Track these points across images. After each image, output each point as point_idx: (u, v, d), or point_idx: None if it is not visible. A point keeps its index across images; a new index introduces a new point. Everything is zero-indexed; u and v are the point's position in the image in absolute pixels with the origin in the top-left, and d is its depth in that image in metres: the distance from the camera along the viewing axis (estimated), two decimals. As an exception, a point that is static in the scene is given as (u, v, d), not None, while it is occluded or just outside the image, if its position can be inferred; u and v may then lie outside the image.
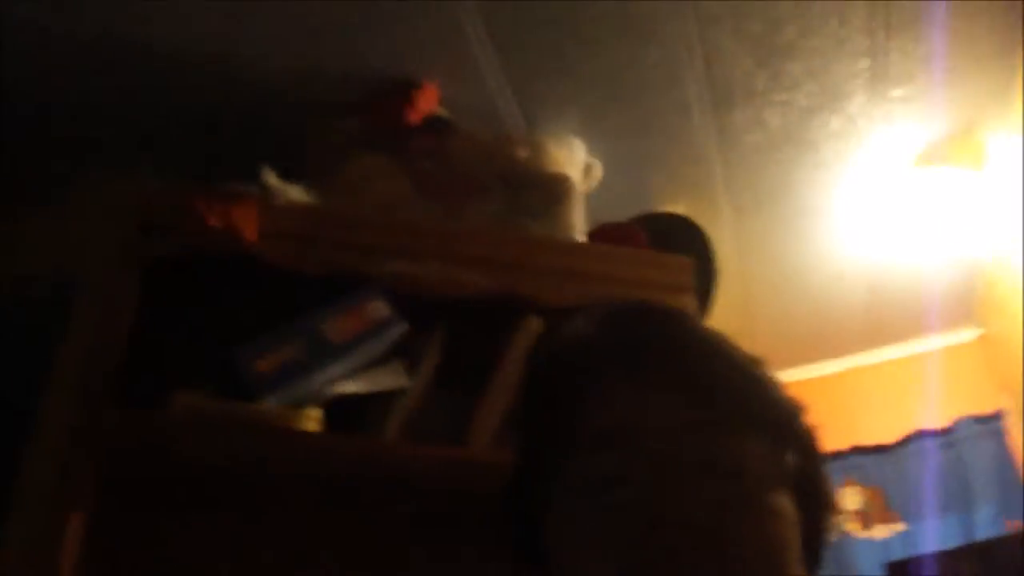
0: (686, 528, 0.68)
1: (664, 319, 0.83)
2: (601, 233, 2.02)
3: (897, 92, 2.57)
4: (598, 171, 2.05)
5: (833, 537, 0.84)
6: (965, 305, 4.46)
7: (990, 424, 4.51)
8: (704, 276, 2.04)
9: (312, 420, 1.61)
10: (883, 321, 4.37)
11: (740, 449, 0.74)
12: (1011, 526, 4.12)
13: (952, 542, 3.96)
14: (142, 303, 1.64)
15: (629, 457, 0.73)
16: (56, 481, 1.47)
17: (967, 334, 4.68)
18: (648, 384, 0.76)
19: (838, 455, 4.50)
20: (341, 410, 1.66)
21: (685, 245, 2.09)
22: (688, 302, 1.88)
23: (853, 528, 4.39)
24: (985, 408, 4.52)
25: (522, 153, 1.92)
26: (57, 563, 1.41)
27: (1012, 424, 4.47)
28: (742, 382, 0.79)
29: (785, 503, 0.75)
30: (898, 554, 4.14)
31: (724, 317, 2.89)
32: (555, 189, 1.93)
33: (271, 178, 1.81)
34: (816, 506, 0.81)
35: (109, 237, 1.69)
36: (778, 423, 0.79)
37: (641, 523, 0.69)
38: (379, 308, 1.70)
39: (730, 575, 0.69)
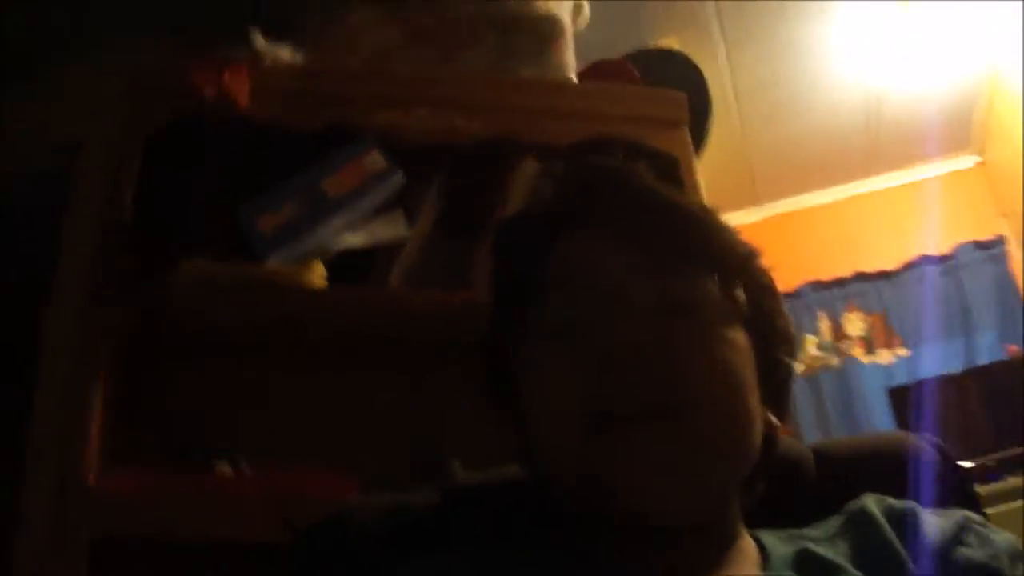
0: (639, 358, 0.73)
1: (617, 174, 0.86)
2: (592, 71, 2.00)
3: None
4: (587, 9, 2.02)
5: (792, 371, 0.90)
6: (964, 131, 4.45)
7: (990, 250, 4.55)
8: (698, 110, 2.03)
9: (317, 276, 1.64)
10: (882, 148, 4.36)
11: (691, 286, 0.79)
12: (1011, 351, 4.18)
13: (953, 367, 4.03)
14: (143, 174, 1.65)
15: (582, 299, 0.78)
16: (74, 354, 1.50)
17: (966, 161, 4.68)
18: (601, 235, 0.81)
19: (840, 282, 4.56)
20: (345, 264, 1.69)
21: (678, 79, 2.07)
22: (683, 136, 1.88)
23: (857, 353, 4.47)
24: (985, 234, 4.56)
25: (511, -4, 1.89)
26: (86, 428, 1.45)
27: (1012, 249, 4.50)
28: (691, 226, 0.83)
29: (738, 336, 0.80)
30: (901, 379, 4.22)
31: (721, 150, 2.87)
32: (545, 30, 1.90)
33: (259, 40, 1.80)
34: (772, 341, 0.86)
35: (106, 111, 1.69)
36: (729, 263, 0.83)
37: (596, 358, 0.74)
38: (375, 160, 1.71)
39: (684, 399, 0.73)
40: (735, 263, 0.84)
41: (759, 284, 0.87)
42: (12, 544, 1.37)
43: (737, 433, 0.76)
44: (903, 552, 0.72)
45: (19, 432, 1.46)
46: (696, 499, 0.74)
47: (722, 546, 0.78)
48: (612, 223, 0.81)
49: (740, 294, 0.82)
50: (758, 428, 0.79)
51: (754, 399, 0.79)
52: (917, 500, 0.79)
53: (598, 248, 0.81)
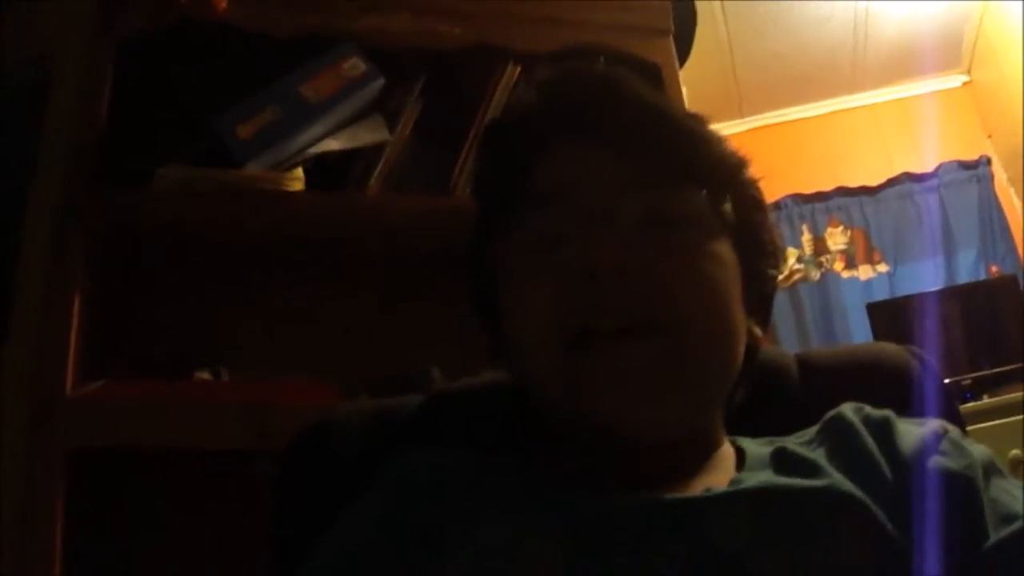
0: (622, 272, 0.72)
1: (604, 84, 0.83)
2: (577, -22, 1.97)
3: None
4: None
5: (776, 284, 0.89)
6: (953, 50, 4.41)
7: (974, 170, 4.55)
8: (684, 19, 2.00)
9: (296, 180, 1.62)
10: (869, 64, 4.34)
11: (680, 201, 0.78)
12: (992, 271, 4.20)
13: (935, 285, 4.05)
14: (119, 81, 1.62)
15: (568, 213, 0.77)
16: (52, 264, 1.49)
17: (954, 80, 4.66)
18: (588, 147, 0.79)
19: (822, 196, 4.56)
20: (324, 168, 1.67)
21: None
22: (666, 45, 1.86)
23: (837, 268, 4.49)
24: (970, 154, 4.55)
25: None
26: (64, 338, 1.45)
27: (996, 170, 4.50)
28: (681, 140, 0.81)
29: (725, 251, 0.79)
30: (880, 294, 4.24)
31: (706, 61, 2.83)
32: (528, -65, 1.87)
33: (237, -57, 1.76)
34: (758, 254, 0.85)
35: (80, 17, 1.66)
36: (717, 176, 0.82)
37: (579, 274, 0.73)
38: (355, 65, 1.69)
39: (668, 317, 0.73)
40: (726, 177, 0.83)
41: (747, 197, 0.85)
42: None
43: (721, 352, 0.77)
44: (880, 459, 0.72)
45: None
46: (677, 417, 0.74)
47: (702, 455, 0.79)
48: (600, 134, 0.80)
49: (728, 207, 0.81)
50: (741, 344, 0.79)
51: (739, 315, 0.79)
52: (903, 413, 0.79)
53: (586, 161, 0.79)
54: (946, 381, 0.98)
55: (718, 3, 3.51)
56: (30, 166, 1.57)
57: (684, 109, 0.87)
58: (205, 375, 1.57)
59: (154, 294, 1.69)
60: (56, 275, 1.48)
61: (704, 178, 0.80)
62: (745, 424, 0.84)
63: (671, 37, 1.89)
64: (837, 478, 0.69)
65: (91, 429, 1.42)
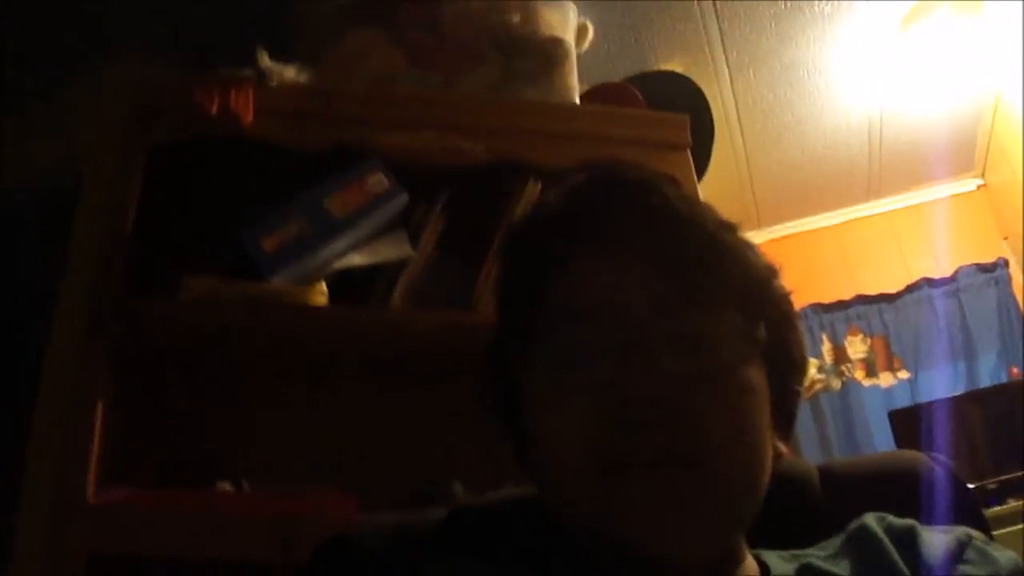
0: (656, 405, 0.70)
1: (634, 189, 0.80)
2: (596, 94, 2.02)
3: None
4: (591, 32, 2.03)
5: (802, 397, 0.87)
6: (967, 154, 4.45)
7: (992, 272, 4.55)
8: (701, 133, 2.04)
9: (319, 295, 1.64)
10: (884, 171, 4.37)
11: (712, 324, 0.75)
12: (1013, 374, 4.17)
13: (956, 390, 4.02)
14: (147, 191, 1.65)
15: (596, 333, 0.74)
16: (76, 370, 1.50)
17: (968, 183, 4.68)
18: (617, 258, 0.77)
19: (842, 304, 4.56)
20: (347, 283, 1.69)
21: (680, 103, 2.08)
22: (685, 159, 1.89)
23: (858, 376, 4.46)
24: (987, 256, 4.55)
25: (515, 18, 1.90)
26: (85, 445, 1.45)
27: (1014, 272, 4.50)
28: (714, 252, 0.78)
29: (757, 377, 0.77)
30: (902, 401, 4.21)
31: (723, 173, 2.85)
32: (549, 53, 1.92)
33: (265, 60, 1.80)
34: (786, 371, 0.82)
35: (110, 126, 1.70)
36: (751, 293, 0.79)
37: (609, 398, 0.71)
38: (379, 180, 1.72)
39: (703, 451, 0.71)
40: (760, 296, 0.80)
41: (780, 314, 0.83)
42: (10, 560, 1.37)
43: (750, 481, 0.75)
44: (905, 570, 0.71)
45: (18, 448, 1.46)
46: (709, 542, 0.73)
47: (727, 572, 0.78)
48: (632, 244, 0.77)
49: (761, 327, 0.78)
50: (769, 468, 0.77)
51: (767, 440, 0.77)
52: (926, 520, 0.78)
53: (614, 273, 0.76)
54: (971, 486, 0.96)
55: (734, 115, 3.57)
56: (56, 271, 1.60)
57: (714, 216, 0.82)
58: (226, 486, 1.57)
59: (178, 403, 1.70)
60: (79, 381, 1.49)
61: (739, 297, 0.77)
62: (768, 536, 0.83)
63: (688, 151, 1.92)
64: None
65: (112, 536, 1.41)
